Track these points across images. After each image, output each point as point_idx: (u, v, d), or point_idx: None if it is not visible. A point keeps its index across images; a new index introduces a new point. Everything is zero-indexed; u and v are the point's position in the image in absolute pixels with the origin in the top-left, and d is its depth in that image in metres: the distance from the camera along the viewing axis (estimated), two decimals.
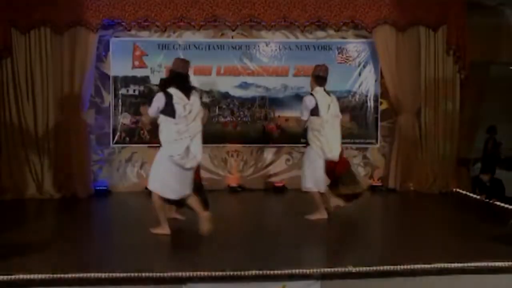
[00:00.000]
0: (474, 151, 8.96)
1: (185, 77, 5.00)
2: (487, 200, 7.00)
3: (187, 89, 4.94)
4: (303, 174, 5.83)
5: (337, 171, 5.83)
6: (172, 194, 4.98)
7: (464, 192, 7.81)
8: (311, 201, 5.90)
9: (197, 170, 5.39)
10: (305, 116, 5.73)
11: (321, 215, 5.80)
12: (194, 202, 5.08)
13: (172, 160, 4.85)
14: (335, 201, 5.91)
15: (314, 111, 5.66)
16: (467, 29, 7.74)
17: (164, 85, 5.12)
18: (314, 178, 5.72)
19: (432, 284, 4.10)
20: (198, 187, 5.33)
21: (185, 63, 5.08)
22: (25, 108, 7.37)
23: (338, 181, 5.83)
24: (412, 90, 7.91)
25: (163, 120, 4.90)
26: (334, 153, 5.69)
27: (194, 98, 4.98)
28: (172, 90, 4.87)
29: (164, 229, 5.15)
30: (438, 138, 7.90)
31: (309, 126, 5.74)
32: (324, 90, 5.80)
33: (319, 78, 5.78)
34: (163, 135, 4.91)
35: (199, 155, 4.99)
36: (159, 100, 4.87)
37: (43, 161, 7.39)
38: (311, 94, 5.75)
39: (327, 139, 5.64)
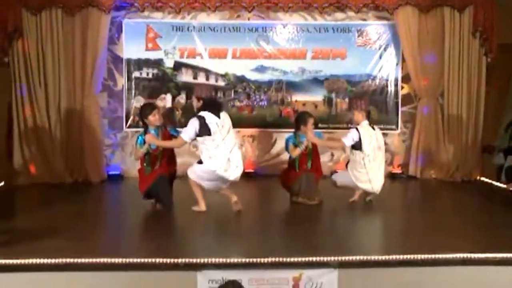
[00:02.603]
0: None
1: (213, 100, 5.73)
2: None
3: (216, 110, 5.43)
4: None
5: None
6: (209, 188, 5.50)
7: (488, 180, 7.72)
8: (327, 187, 6.16)
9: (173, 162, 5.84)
10: (348, 143, 5.92)
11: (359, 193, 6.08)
12: (227, 192, 5.55)
13: (215, 174, 5.30)
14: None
15: (357, 145, 5.85)
16: (495, 9, 7.57)
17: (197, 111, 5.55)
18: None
19: (453, 274, 4.09)
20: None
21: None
22: (36, 91, 7.43)
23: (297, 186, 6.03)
24: (434, 74, 7.81)
25: (200, 141, 5.35)
26: (373, 185, 5.88)
27: (223, 115, 5.49)
28: (203, 113, 5.36)
29: (201, 207, 5.51)
30: (461, 124, 7.81)
31: (351, 157, 6.03)
32: (369, 123, 6.00)
33: (368, 113, 6.10)
34: (204, 154, 5.35)
35: (240, 164, 5.44)
36: (193, 124, 5.34)
37: (55, 145, 7.47)
38: (356, 128, 5.92)
39: (366, 171, 5.82)
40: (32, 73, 7.42)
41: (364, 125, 5.94)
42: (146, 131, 5.61)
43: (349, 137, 5.88)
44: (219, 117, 5.38)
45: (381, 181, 5.94)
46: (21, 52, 7.38)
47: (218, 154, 5.27)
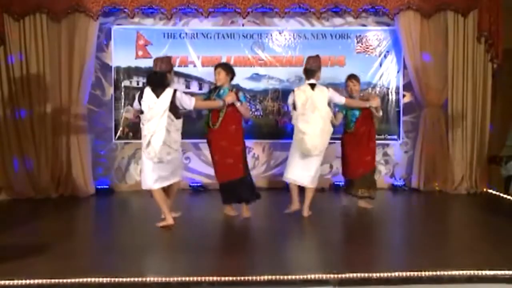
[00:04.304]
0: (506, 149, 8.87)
1: (154, 76, 5.53)
2: None
3: (156, 88, 5.47)
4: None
5: (358, 172, 6.37)
6: (164, 182, 5.59)
7: (496, 192, 7.74)
8: (327, 200, 6.33)
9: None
10: (290, 105, 6.29)
11: (294, 206, 6.22)
12: (174, 189, 5.78)
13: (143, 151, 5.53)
14: (362, 203, 6.47)
15: (293, 105, 6.13)
16: (501, 13, 7.61)
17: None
18: (291, 170, 6.17)
19: None
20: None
21: (160, 60, 5.60)
22: (20, 101, 7.40)
23: (355, 181, 6.42)
24: (438, 82, 7.85)
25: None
26: (307, 147, 5.96)
27: (165, 95, 5.44)
28: (146, 88, 5.53)
29: (168, 220, 5.60)
30: (466, 133, 7.84)
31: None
32: (311, 84, 6.08)
33: (305, 70, 6.20)
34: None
35: (157, 149, 5.39)
36: (137, 96, 5.63)
37: (39, 158, 7.44)
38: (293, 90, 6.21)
39: (302, 133, 5.96)
40: (15, 83, 7.39)
41: (302, 86, 6.15)
42: None
43: (289, 99, 6.23)
44: (158, 96, 5.43)
45: (315, 145, 5.95)
46: (3, 61, 7.36)
47: (144, 132, 5.48)
